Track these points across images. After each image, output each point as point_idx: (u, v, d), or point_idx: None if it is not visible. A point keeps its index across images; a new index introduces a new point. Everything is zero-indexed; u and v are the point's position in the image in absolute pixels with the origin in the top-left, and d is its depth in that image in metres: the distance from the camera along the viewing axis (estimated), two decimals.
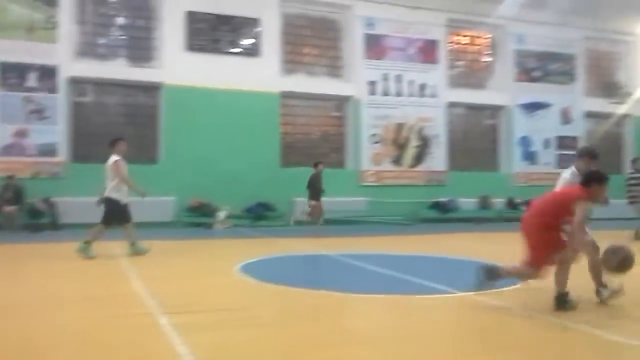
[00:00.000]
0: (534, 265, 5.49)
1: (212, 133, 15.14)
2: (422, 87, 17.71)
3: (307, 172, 12.95)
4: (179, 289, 6.60)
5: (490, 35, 19.38)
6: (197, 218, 14.84)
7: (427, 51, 17.89)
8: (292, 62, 16.84)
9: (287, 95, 16.44)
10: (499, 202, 17.87)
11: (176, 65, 15.06)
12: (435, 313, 5.71)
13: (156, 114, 15.46)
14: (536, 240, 5.45)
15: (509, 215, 17.59)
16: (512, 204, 17.96)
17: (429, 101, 17.74)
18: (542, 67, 19.54)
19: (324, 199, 12.73)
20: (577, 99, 19.87)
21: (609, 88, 20.96)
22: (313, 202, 12.66)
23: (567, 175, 6.09)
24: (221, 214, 14.70)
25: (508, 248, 11.36)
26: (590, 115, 20.25)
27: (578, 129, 19.74)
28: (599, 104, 20.42)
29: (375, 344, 4.43)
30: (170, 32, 15.23)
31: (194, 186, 14.67)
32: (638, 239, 12.10)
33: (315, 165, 12.85)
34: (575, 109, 19.78)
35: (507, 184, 18.46)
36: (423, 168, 17.44)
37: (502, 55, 19.19)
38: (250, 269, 7.77)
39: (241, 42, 16.04)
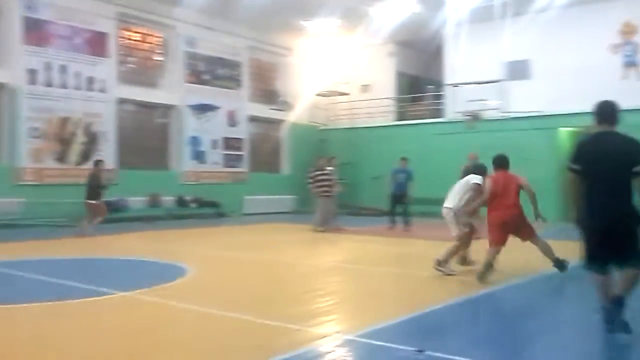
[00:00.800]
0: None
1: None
2: (90, 80, 16.94)
3: None
4: None
5: (161, 35, 19.56)
6: None
7: (96, 43, 17.16)
8: None
9: None
10: (169, 200, 18.23)
11: None
12: (92, 317, 5.63)
13: None
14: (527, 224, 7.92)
15: (178, 213, 18.15)
16: (182, 202, 18.55)
17: (97, 96, 17.06)
18: (211, 71, 20.55)
19: None
20: (242, 103, 21.45)
21: (270, 95, 23.18)
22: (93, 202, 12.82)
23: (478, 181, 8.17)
24: None
25: (177, 245, 11.79)
26: (253, 119, 22.10)
27: (243, 132, 21.34)
28: (261, 109, 22.46)
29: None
30: None
31: None
32: (318, 231, 13.89)
33: (96, 163, 13.26)
34: (240, 113, 21.32)
35: (177, 182, 18.94)
36: (90, 166, 16.67)
37: (174, 56, 19.57)
38: None
39: None
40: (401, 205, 15.04)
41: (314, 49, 23.93)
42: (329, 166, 15.26)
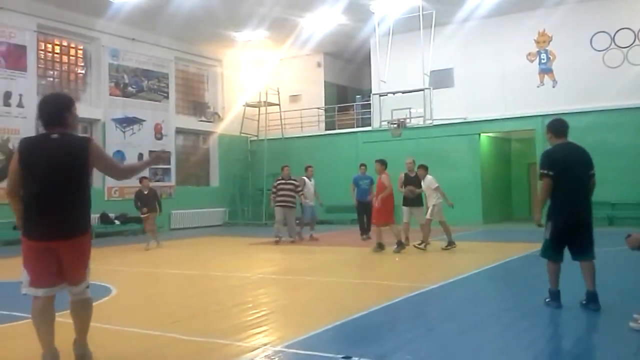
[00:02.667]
0: None
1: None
2: (7, 95, 16.22)
3: None
4: None
5: (83, 47, 18.99)
6: None
7: (14, 57, 16.47)
8: None
9: None
10: (92, 218, 17.58)
11: None
12: (10, 341, 5.35)
13: None
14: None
15: (102, 231, 17.57)
16: (106, 219, 18.00)
17: (15, 111, 16.35)
18: (137, 83, 20.09)
19: None
20: (169, 115, 21.07)
21: (198, 107, 22.89)
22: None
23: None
24: None
25: (100, 264, 11.34)
26: (180, 131, 21.75)
27: (170, 144, 20.95)
28: (189, 121, 22.14)
29: None
30: None
31: None
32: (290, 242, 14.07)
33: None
34: (167, 125, 20.93)
35: (101, 198, 18.33)
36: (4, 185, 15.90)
37: (97, 69, 19.03)
38: None
39: None
40: (367, 213, 14.09)
41: (242, 60, 23.87)
42: (303, 176, 15.05)
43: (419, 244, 11.70)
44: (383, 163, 11.95)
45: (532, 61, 19.18)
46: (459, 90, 20.04)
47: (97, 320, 6.04)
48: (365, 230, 14.61)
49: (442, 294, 7.46)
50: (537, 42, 19.17)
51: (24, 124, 16.43)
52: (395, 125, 17.06)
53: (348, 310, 6.31)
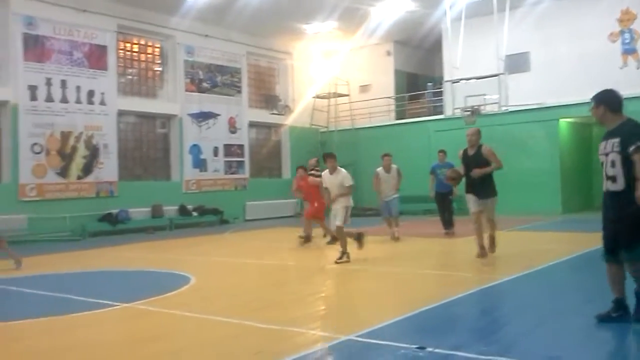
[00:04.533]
0: None
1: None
2: (90, 93, 17.03)
3: None
4: None
5: (160, 45, 19.65)
6: None
7: (96, 57, 17.25)
8: None
9: None
10: (171, 209, 18.28)
11: None
12: (94, 329, 5.68)
13: None
14: None
15: (180, 222, 18.21)
16: (184, 211, 18.60)
17: (98, 108, 17.14)
18: (211, 78, 20.61)
19: None
20: (242, 109, 21.50)
21: (269, 100, 23.23)
22: None
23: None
24: None
25: (179, 254, 11.81)
26: (253, 124, 22.15)
27: (243, 138, 21.39)
28: (261, 114, 22.50)
29: None
30: None
31: None
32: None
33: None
34: (240, 119, 21.37)
35: (179, 191, 18.99)
36: (92, 179, 16.77)
37: (173, 66, 19.64)
38: None
39: None
40: (446, 205, 13.11)
41: (312, 52, 23.98)
42: (380, 166, 12.87)
43: (339, 258, 9.35)
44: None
45: (614, 41, 18.23)
46: (535, 75, 19.32)
47: (177, 308, 6.31)
48: (447, 224, 13.20)
49: (517, 285, 7.27)
50: (620, 21, 18.19)
51: (106, 121, 17.22)
52: (468, 113, 16.67)
53: (422, 301, 6.27)
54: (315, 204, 12.32)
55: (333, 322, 5.66)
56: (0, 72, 15.53)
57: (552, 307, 5.96)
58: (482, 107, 16.75)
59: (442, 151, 13.71)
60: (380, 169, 12.74)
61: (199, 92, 20.12)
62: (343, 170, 9.87)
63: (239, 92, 21.48)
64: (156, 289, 7.39)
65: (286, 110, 23.29)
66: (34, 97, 15.75)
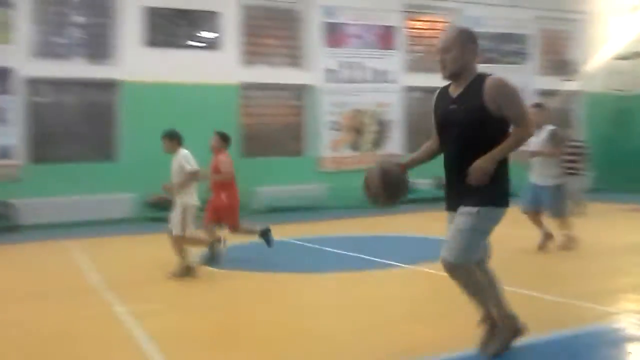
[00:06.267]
0: None
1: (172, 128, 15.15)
2: (380, 73, 18.15)
3: (269, 162, 13.36)
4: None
5: (448, 20, 19.85)
6: (158, 213, 14.66)
7: (385, 37, 18.32)
8: (252, 53, 17.07)
9: (247, 87, 16.71)
10: None
11: (135, 62, 15.11)
12: (389, 284, 6.32)
13: (115, 112, 15.49)
14: None
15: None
16: None
17: (387, 87, 18.21)
18: (497, 48, 20.13)
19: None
20: (530, 77, 20.53)
21: (560, 66, 21.70)
22: None
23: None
24: None
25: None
26: (542, 93, 20.95)
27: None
28: (551, 82, 21.17)
29: (341, 313, 4.97)
30: (129, 28, 15.28)
31: (156, 182, 14.72)
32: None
33: None
34: (528, 88, 20.42)
35: None
36: (382, 152, 17.94)
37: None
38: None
39: (200, 36, 16.25)
40: None
41: (611, 7, 21.61)
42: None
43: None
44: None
45: None
46: None
47: None
48: None
49: None
50: None
51: (393, 97, 18.22)
52: None
53: None
54: None
55: (624, 300, 5.26)
56: (305, 59, 17.55)
57: None
58: None
59: None
60: None
61: (484, 62, 19.61)
62: None
63: (526, 59, 20.55)
64: (437, 254, 7.71)
65: (578, 75, 21.51)
66: (330, 79, 17.47)
